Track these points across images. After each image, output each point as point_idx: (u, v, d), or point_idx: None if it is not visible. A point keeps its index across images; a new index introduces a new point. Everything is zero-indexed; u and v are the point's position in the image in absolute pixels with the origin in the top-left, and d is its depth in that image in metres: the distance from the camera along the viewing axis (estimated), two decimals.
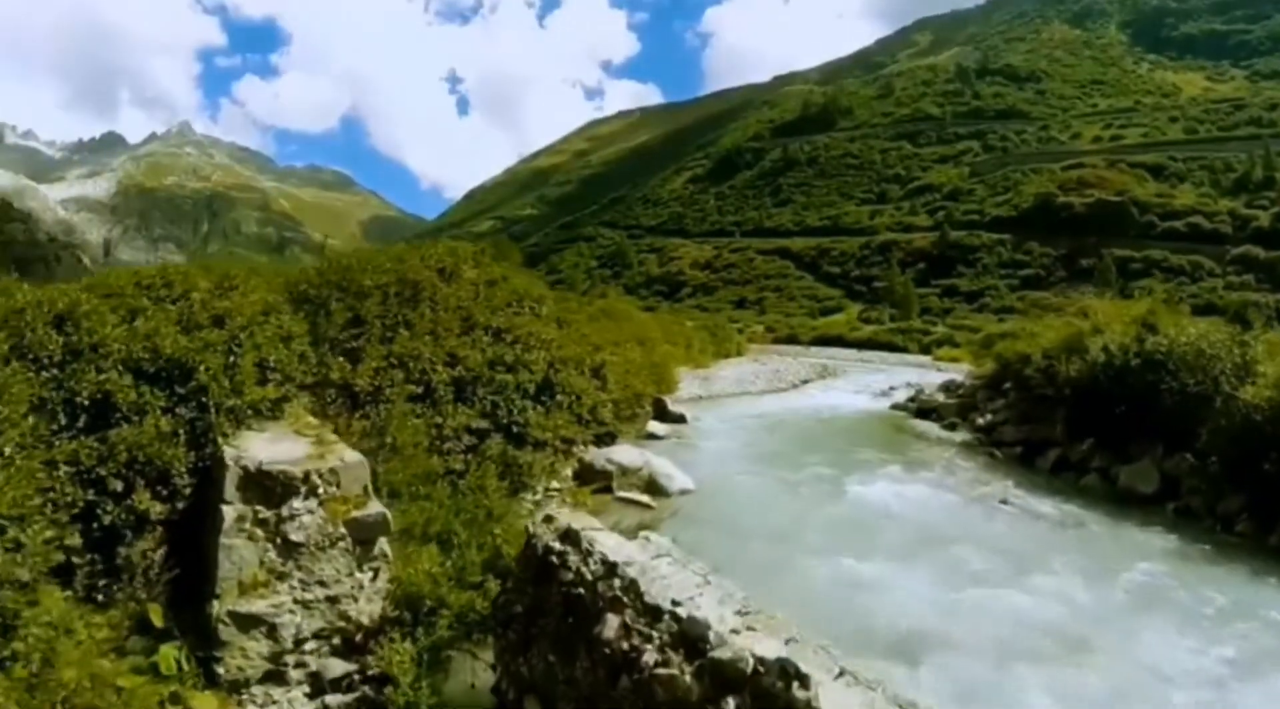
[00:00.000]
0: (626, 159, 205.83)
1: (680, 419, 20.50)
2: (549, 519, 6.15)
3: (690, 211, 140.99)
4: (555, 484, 11.44)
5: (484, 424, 10.07)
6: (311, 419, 7.73)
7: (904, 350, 59.92)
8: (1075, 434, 16.08)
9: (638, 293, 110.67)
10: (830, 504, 12.20)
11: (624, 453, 13.32)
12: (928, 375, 36.65)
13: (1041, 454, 16.38)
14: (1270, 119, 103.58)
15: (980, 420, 19.23)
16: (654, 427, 18.60)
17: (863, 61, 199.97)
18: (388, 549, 6.36)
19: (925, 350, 58.41)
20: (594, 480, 12.57)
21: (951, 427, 19.80)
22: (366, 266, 10.87)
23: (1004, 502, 12.85)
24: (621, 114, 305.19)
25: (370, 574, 6.16)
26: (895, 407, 24.13)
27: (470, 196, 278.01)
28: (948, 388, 22.87)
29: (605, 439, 16.03)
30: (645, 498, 12.02)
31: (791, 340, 69.71)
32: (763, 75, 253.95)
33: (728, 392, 28.49)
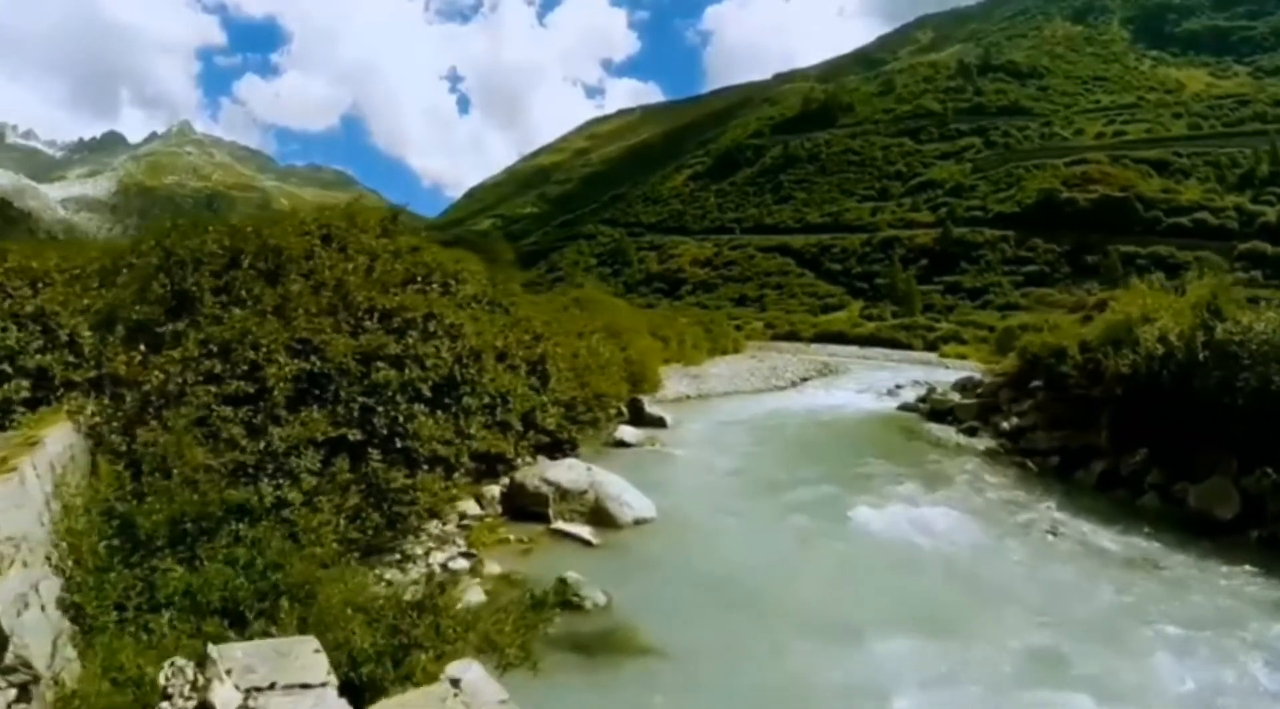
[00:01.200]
0: (627, 157, 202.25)
1: (659, 423, 17.64)
2: None
3: (690, 209, 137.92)
4: (460, 518, 8.56)
5: (355, 435, 7.17)
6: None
7: (908, 347, 57.06)
8: (1123, 442, 13.16)
9: (638, 290, 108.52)
10: (829, 541, 9.30)
11: (567, 471, 10.39)
12: (936, 373, 33.68)
13: (1083, 466, 13.50)
14: (1275, 115, 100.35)
15: (1005, 424, 16.33)
16: (625, 432, 15.73)
17: (864, 59, 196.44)
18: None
19: (930, 347, 55.54)
20: (527, 507, 9.68)
21: (971, 431, 16.89)
22: (207, 230, 8.04)
23: (1052, 533, 9.98)
24: (622, 112, 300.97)
25: None
26: (904, 407, 21.26)
27: (470, 195, 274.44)
28: (964, 387, 19.93)
29: (561, 450, 13.18)
30: (586, 532, 9.09)
31: (792, 337, 66.76)
32: (764, 73, 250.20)
33: (719, 390, 25.60)
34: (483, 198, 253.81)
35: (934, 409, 19.28)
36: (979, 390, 18.73)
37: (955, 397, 19.09)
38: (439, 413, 8.10)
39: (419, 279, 9.73)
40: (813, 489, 11.56)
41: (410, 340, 8.02)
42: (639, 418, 18.00)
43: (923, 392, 22.75)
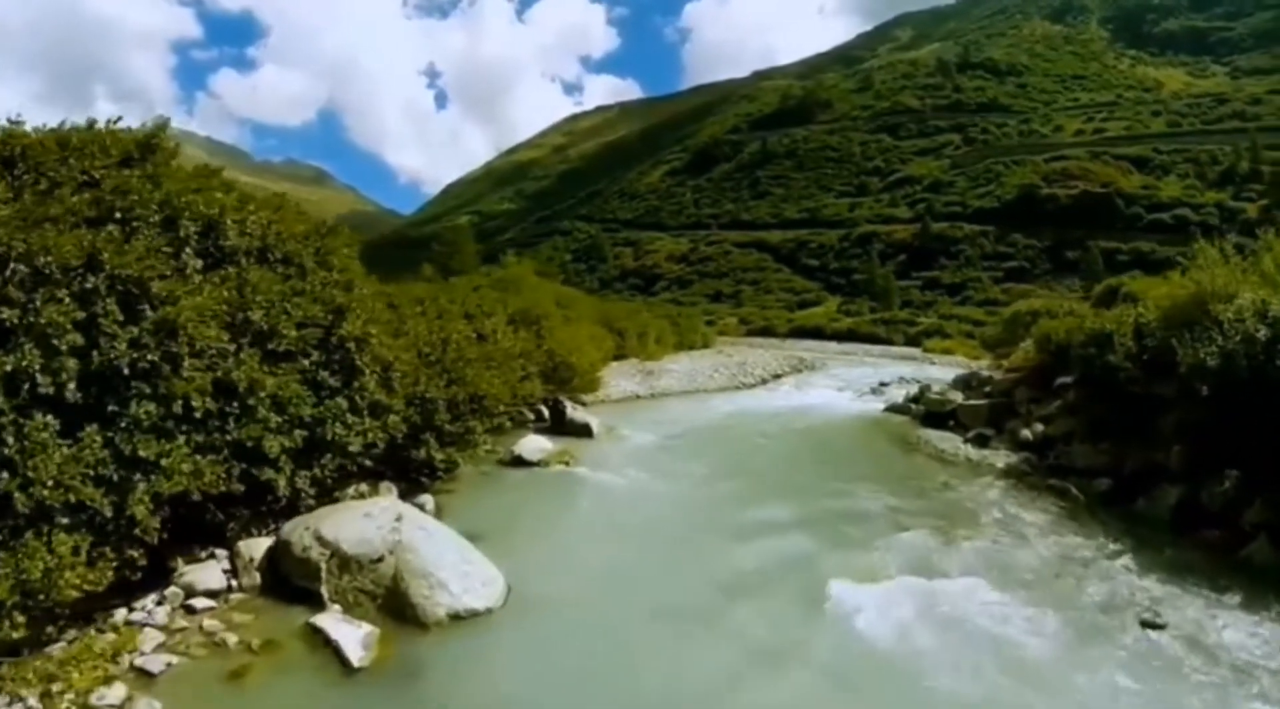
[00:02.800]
0: (604, 154, 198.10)
1: (583, 431, 13.66)
2: None
3: (667, 205, 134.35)
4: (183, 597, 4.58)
5: None
6: None
7: (888, 342, 53.43)
8: (1202, 460, 9.32)
9: (613, 287, 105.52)
10: (792, 664, 5.27)
11: (360, 522, 6.33)
12: (923, 369, 30.01)
13: (1145, 492, 9.65)
14: (1254, 113, 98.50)
15: (1026, 433, 12.46)
16: (528, 447, 11.72)
17: (843, 57, 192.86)
18: None
19: (912, 342, 51.92)
20: (294, 579, 5.65)
21: (981, 440, 13.00)
22: None
23: (1150, 624, 6.08)
24: (600, 109, 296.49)
25: None
26: (893, 409, 17.40)
27: (447, 191, 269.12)
28: (968, 384, 15.99)
29: (421, 476, 9.23)
30: (355, 642, 4.98)
31: (766, 333, 62.99)
32: (742, 71, 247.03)
33: (676, 389, 21.64)
34: (460, 194, 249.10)
35: (930, 412, 15.37)
36: (987, 389, 14.83)
37: (956, 396, 15.19)
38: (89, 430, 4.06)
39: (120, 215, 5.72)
40: (774, 543, 7.59)
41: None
42: (559, 424, 14.04)
43: (913, 390, 18.89)
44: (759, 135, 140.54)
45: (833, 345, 51.51)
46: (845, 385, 24.51)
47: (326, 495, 7.49)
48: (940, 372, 28.96)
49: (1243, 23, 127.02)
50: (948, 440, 13.30)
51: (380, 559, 6.03)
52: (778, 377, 27.12)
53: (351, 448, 7.55)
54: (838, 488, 9.97)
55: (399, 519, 6.64)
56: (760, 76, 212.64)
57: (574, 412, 14.44)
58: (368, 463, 8.18)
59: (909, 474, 11.24)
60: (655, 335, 33.86)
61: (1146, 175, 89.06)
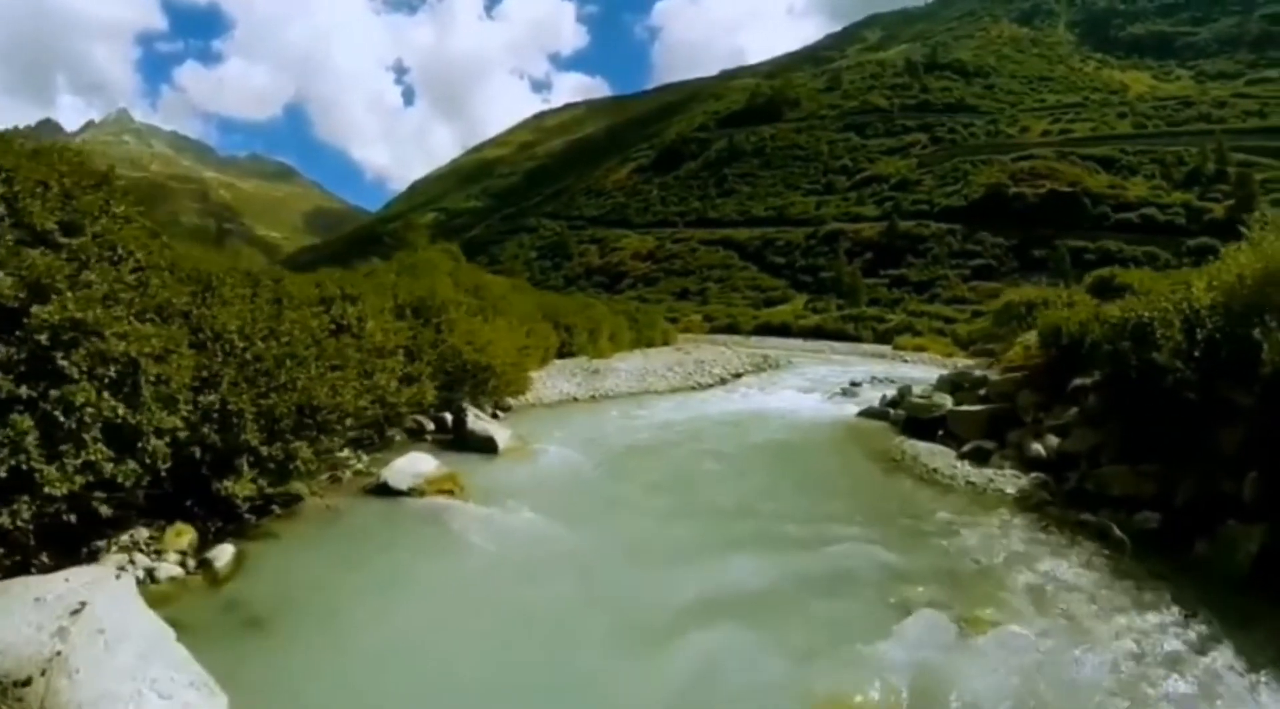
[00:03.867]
0: (571, 151, 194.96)
1: (485, 447, 10.93)
2: None
3: (633, 202, 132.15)
4: None
5: None
6: None
7: (856, 339, 51.23)
8: None
9: (578, 284, 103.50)
10: None
11: (11, 612, 3.65)
12: (896, 368, 27.63)
13: (1207, 533, 7.12)
14: (1219, 116, 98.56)
15: (1037, 447, 9.93)
16: (399, 472, 8.92)
17: (812, 57, 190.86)
18: None
19: (881, 339, 49.70)
20: None
21: (980, 456, 10.42)
22: None
23: None
24: (568, 106, 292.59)
25: None
26: (868, 413, 14.89)
27: (414, 189, 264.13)
28: (957, 386, 13.42)
29: (244, 512, 6.54)
30: None
31: (731, 330, 60.54)
32: (711, 70, 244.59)
33: (621, 391, 18.93)
34: (426, 191, 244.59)
35: (914, 418, 12.81)
36: (982, 392, 12.29)
37: (945, 400, 12.63)
38: None
39: None
40: (709, 648, 4.81)
41: None
42: (459, 437, 11.33)
43: (891, 391, 16.39)
44: (726, 133, 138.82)
45: (799, 343, 49.17)
46: (813, 386, 21.98)
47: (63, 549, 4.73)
48: (916, 370, 26.68)
49: (1207, 28, 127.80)
50: (939, 455, 10.72)
51: (28, 681, 3.36)
52: (738, 376, 24.50)
53: (52, 490, 4.79)
54: (805, 534, 7.25)
55: (78, 610, 3.93)
56: (729, 76, 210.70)
57: (476, 421, 11.67)
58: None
59: (898, 507, 8.59)
60: (609, 332, 31.19)
61: (1113, 175, 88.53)
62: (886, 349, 42.73)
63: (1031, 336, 13.20)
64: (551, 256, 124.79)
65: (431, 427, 12.96)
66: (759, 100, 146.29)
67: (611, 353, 27.04)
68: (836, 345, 46.39)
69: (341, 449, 9.58)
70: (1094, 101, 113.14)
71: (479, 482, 9.25)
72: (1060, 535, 7.59)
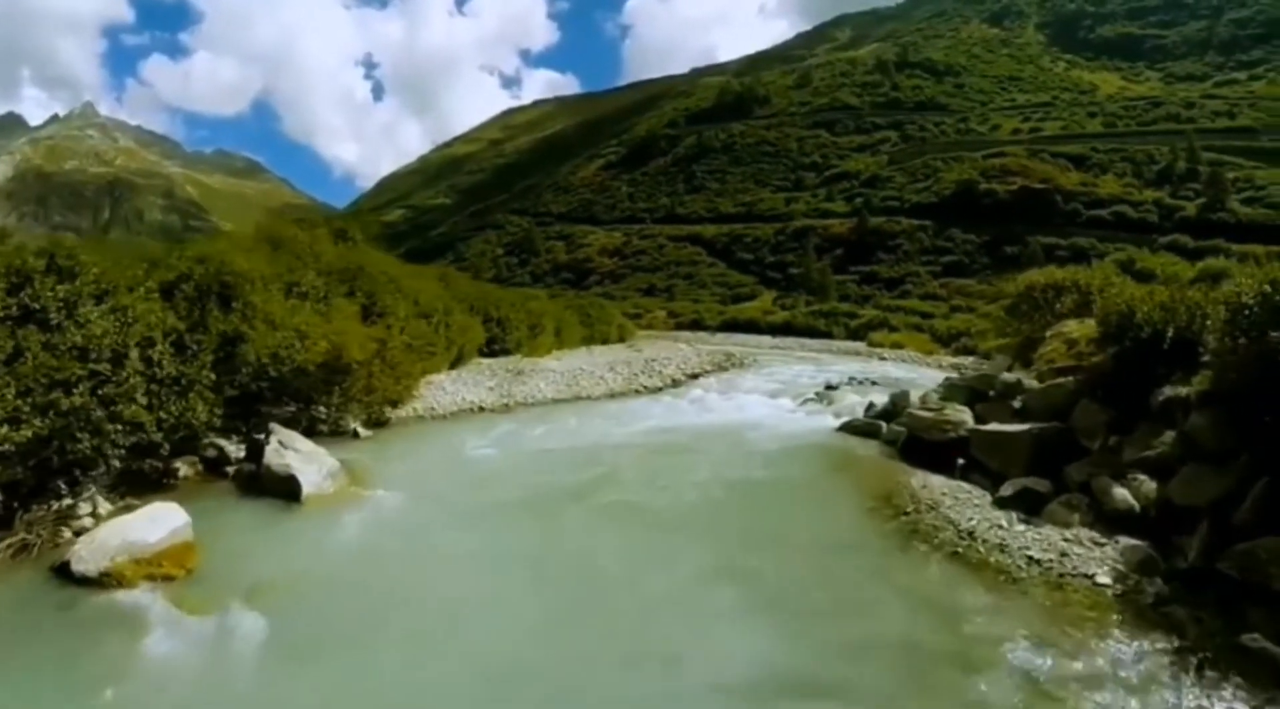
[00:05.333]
0: (540, 148, 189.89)
1: (284, 489, 7.09)
2: None
3: (601, 199, 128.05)
4: None
5: None
6: None
7: (827, 335, 47.47)
8: None
9: (544, 280, 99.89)
10: None
11: None
12: (876, 367, 23.96)
13: None
14: (1188, 116, 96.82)
15: (1122, 494, 6.19)
16: (107, 542, 5.06)
17: (783, 56, 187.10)
18: None
19: (854, 335, 45.98)
20: None
21: (1029, 502, 6.55)
22: None
23: None
24: (539, 103, 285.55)
25: None
26: (851, 428, 11.18)
27: (381, 185, 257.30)
28: (977, 394, 9.53)
29: None
30: None
31: (696, 326, 56.78)
32: (682, 68, 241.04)
33: (544, 397, 15.01)
34: (394, 188, 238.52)
35: (916, 438, 9.09)
36: (1018, 403, 8.46)
37: (963, 414, 8.81)
38: None
39: None
40: None
41: None
42: (254, 477, 7.48)
43: (877, 396, 12.68)
44: (696, 130, 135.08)
45: (767, 339, 45.46)
46: (781, 388, 18.19)
47: None
48: (898, 369, 23.11)
49: (1176, 31, 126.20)
50: (966, 501, 6.97)
51: None
52: (695, 376, 20.66)
53: None
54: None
55: None
56: (699, 73, 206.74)
57: (279, 453, 7.76)
58: None
59: (932, 624, 4.80)
60: (554, 327, 27.34)
61: (1084, 172, 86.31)
62: (861, 346, 39.04)
63: (1074, 327, 9.53)
64: (518, 253, 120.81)
65: (240, 454, 9.04)
66: (729, 97, 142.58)
67: (549, 351, 23.17)
68: (807, 342, 42.67)
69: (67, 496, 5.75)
70: (1064, 101, 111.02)
71: (236, 558, 5.45)
72: (1224, 680, 3.86)
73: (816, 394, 16.05)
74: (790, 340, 44.60)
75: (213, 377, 8.45)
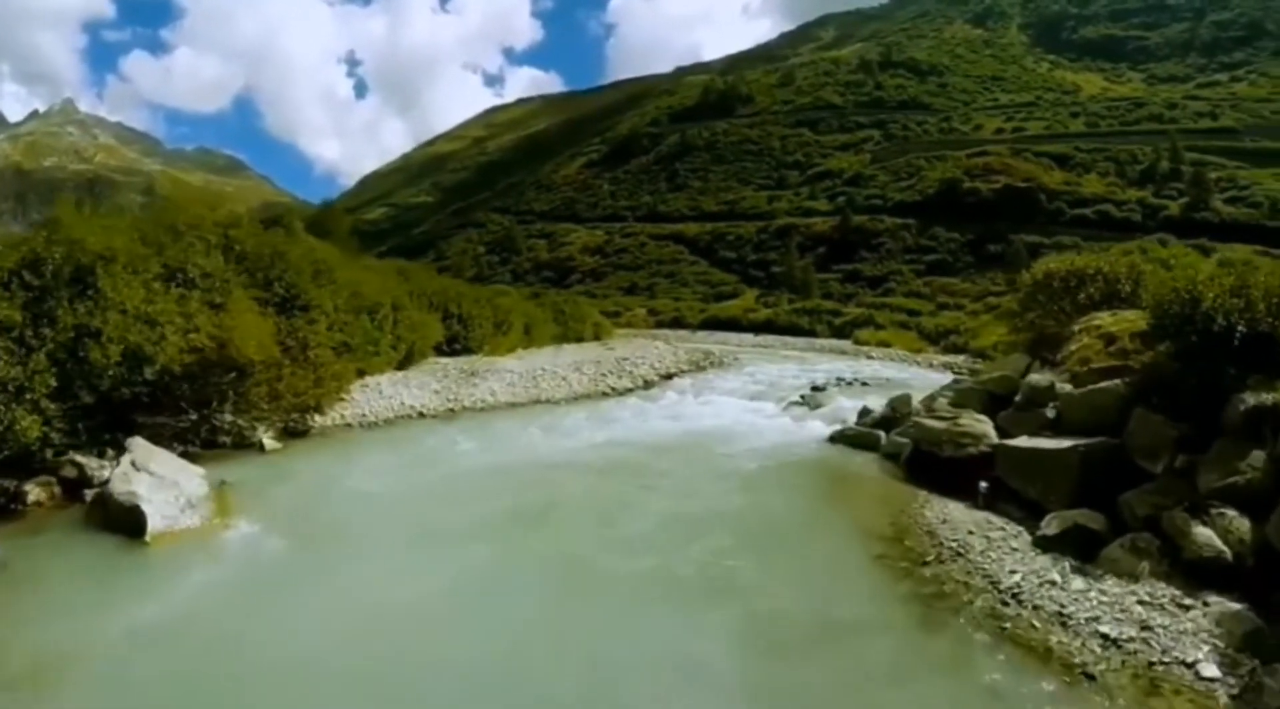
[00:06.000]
0: (523, 146, 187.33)
1: (127, 523, 5.34)
2: None
3: (583, 197, 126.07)
4: None
5: None
6: None
7: (811, 334, 45.74)
8: None
9: (526, 279, 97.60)
10: None
11: None
12: (864, 366, 22.32)
13: None
14: (1170, 117, 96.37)
15: (1206, 536, 4.58)
16: None
17: (766, 55, 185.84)
18: None
19: (838, 333, 44.34)
20: None
21: (1083, 544, 4.94)
22: None
23: None
24: (522, 101, 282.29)
25: None
26: (843, 438, 9.52)
27: (364, 183, 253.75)
28: (996, 398, 7.84)
29: None
30: None
31: (677, 324, 55.16)
32: (666, 67, 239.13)
33: (494, 400, 13.27)
34: (376, 186, 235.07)
35: (924, 452, 7.42)
36: (1051, 412, 6.71)
37: (981, 425, 7.15)
38: None
39: None
40: None
41: None
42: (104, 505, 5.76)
43: (870, 400, 11.02)
44: (679, 128, 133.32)
45: (749, 337, 43.81)
46: (763, 390, 16.50)
47: None
48: (887, 368, 21.50)
49: (1158, 33, 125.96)
50: (1001, 543, 5.33)
51: None
52: (670, 376, 18.94)
53: None
54: None
55: None
56: (683, 72, 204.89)
57: (128, 476, 6.04)
58: None
59: None
60: (523, 324, 25.62)
61: (1068, 172, 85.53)
62: (846, 344, 37.40)
63: (1109, 320, 7.91)
64: (500, 252, 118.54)
65: (105, 474, 7.28)
66: (712, 96, 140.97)
67: (513, 349, 21.44)
68: (790, 340, 41.00)
69: None
70: (1047, 101, 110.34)
71: (20, 625, 3.67)
72: None
73: (802, 397, 14.37)
74: (772, 338, 42.98)
75: (52, 382, 6.68)
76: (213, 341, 8.25)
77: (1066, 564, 5.01)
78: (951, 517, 5.95)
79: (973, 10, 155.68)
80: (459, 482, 8.02)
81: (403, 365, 16.06)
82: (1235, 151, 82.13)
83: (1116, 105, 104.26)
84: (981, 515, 6.02)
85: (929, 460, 7.39)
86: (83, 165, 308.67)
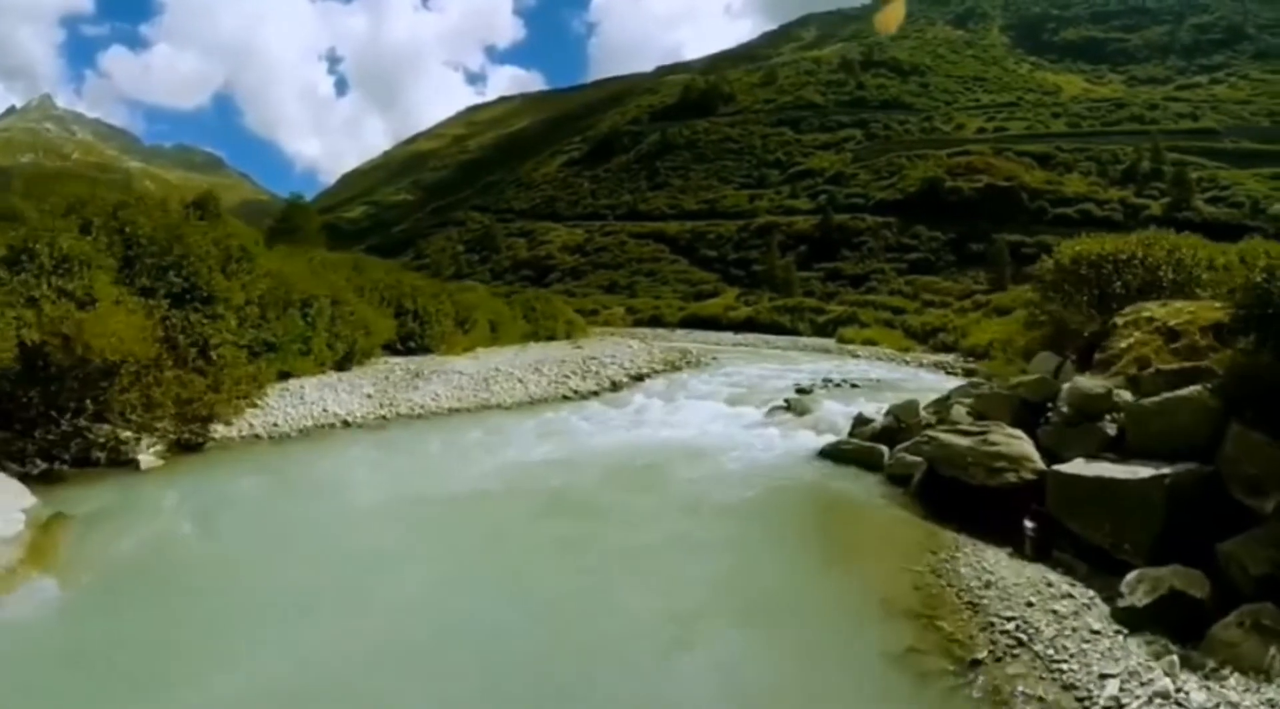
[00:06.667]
0: (504, 144, 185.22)
1: None
2: None
3: (563, 195, 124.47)
4: None
5: None
6: None
7: (793, 332, 44.32)
8: None
9: (505, 277, 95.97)
10: None
11: None
12: (848, 365, 20.78)
13: None
14: (1151, 118, 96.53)
15: None
16: None
17: (748, 54, 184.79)
18: None
19: (821, 331, 42.96)
20: None
21: (1179, 622, 3.37)
22: None
23: None
24: (503, 99, 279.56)
25: None
26: (836, 454, 7.91)
27: (344, 181, 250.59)
28: (1032, 408, 6.26)
29: None
30: None
31: (656, 323, 53.62)
32: (648, 66, 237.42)
33: (437, 406, 11.59)
34: (356, 184, 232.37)
35: (942, 476, 5.83)
36: (1112, 428, 5.20)
37: (1021, 445, 5.55)
38: None
39: None
40: None
41: None
42: None
43: (868, 406, 9.43)
44: (659, 127, 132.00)
45: (730, 336, 42.33)
46: (742, 393, 14.89)
47: None
48: (877, 368, 19.99)
49: (1138, 35, 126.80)
50: (1072, 619, 3.80)
51: None
52: (640, 378, 17.28)
53: None
54: None
55: None
56: (665, 71, 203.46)
57: None
58: None
59: None
60: (489, 322, 23.97)
61: (1049, 171, 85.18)
62: (830, 343, 35.92)
63: (1161, 311, 6.39)
64: (479, 250, 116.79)
65: None
66: (693, 95, 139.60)
67: (471, 348, 19.77)
68: (773, 339, 39.47)
69: None
70: (1028, 101, 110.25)
71: None
72: None
73: (786, 401, 12.76)
74: (753, 337, 41.52)
75: None
76: (55, 338, 6.58)
77: (1175, 659, 3.46)
78: (997, 575, 4.36)
79: (954, 11, 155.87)
80: (339, 524, 6.30)
81: (342, 366, 14.35)
82: (1216, 152, 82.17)
83: (1098, 106, 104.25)
84: (1035, 571, 4.43)
85: (952, 487, 5.80)
86: (60, 162, 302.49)
